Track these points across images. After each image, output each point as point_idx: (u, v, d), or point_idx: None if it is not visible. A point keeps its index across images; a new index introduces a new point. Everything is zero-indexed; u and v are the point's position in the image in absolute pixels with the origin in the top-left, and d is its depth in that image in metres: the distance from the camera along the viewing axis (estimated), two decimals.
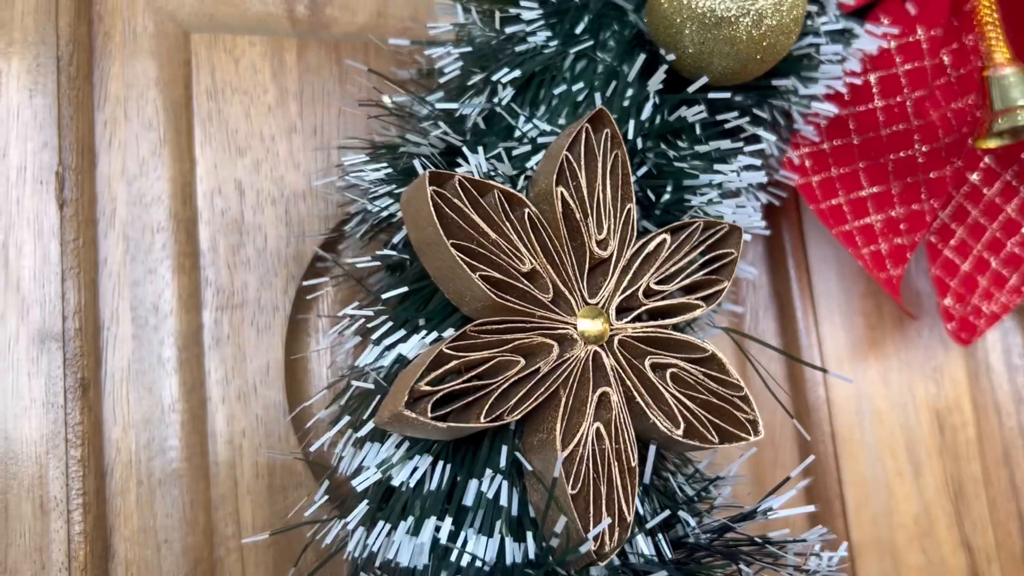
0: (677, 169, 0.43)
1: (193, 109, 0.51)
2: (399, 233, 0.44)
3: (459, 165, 0.43)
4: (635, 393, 0.37)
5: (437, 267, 0.38)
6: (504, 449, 0.37)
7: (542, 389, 0.36)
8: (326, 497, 0.42)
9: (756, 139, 0.48)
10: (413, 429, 0.35)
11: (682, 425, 0.38)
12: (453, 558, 0.36)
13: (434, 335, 0.39)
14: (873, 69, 0.53)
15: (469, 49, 0.47)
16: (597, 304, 0.39)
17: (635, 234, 0.40)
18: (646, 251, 0.40)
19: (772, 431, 0.62)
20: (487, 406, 0.35)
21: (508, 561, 0.36)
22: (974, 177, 0.62)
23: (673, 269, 0.40)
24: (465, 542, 0.36)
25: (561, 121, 0.43)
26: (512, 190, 0.38)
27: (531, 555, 0.36)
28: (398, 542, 0.37)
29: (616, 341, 0.39)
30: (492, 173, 0.42)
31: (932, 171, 0.55)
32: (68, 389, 0.46)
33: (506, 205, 0.38)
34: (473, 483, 0.37)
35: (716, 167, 0.44)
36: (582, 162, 0.39)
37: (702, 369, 0.40)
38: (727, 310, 0.57)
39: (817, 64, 0.49)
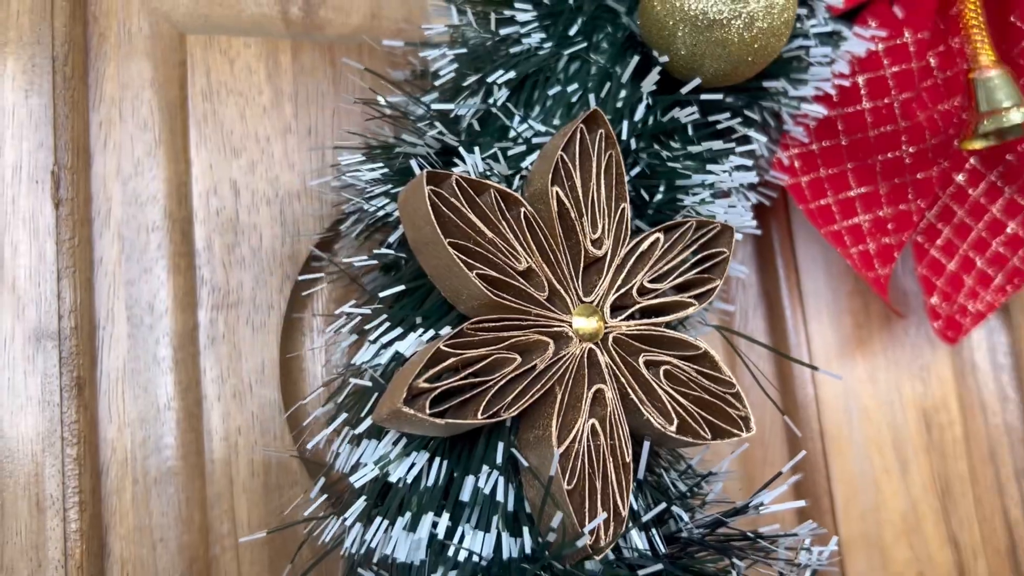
0: (670, 169, 0.44)
1: (188, 110, 0.51)
2: (395, 232, 0.45)
3: (455, 165, 0.44)
4: (629, 390, 0.38)
5: (434, 265, 0.38)
6: (500, 445, 0.38)
7: (538, 386, 0.37)
8: (324, 496, 0.42)
9: (747, 140, 0.49)
10: (411, 425, 0.35)
11: (675, 421, 0.38)
12: (450, 553, 0.36)
13: (431, 333, 0.40)
14: (861, 71, 0.54)
15: (464, 51, 0.47)
16: (592, 302, 0.39)
17: (629, 233, 0.41)
18: (640, 250, 0.41)
19: (761, 430, 0.63)
20: (484, 403, 0.35)
21: (505, 556, 0.36)
22: (960, 178, 0.63)
23: (666, 268, 0.41)
24: (462, 538, 0.36)
25: (555, 122, 0.44)
26: (508, 190, 0.38)
27: (527, 550, 0.36)
28: (395, 538, 0.37)
29: (610, 339, 0.39)
30: (488, 173, 0.43)
31: (919, 172, 0.56)
32: (64, 387, 0.46)
33: (502, 204, 0.38)
34: (470, 479, 0.37)
35: (708, 167, 0.44)
36: (577, 162, 0.39)
37: (695, 366, 0.40)
38: (718, 308, 0.58)
39: (807, 66, 0.50)
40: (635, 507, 0.39)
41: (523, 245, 0.38)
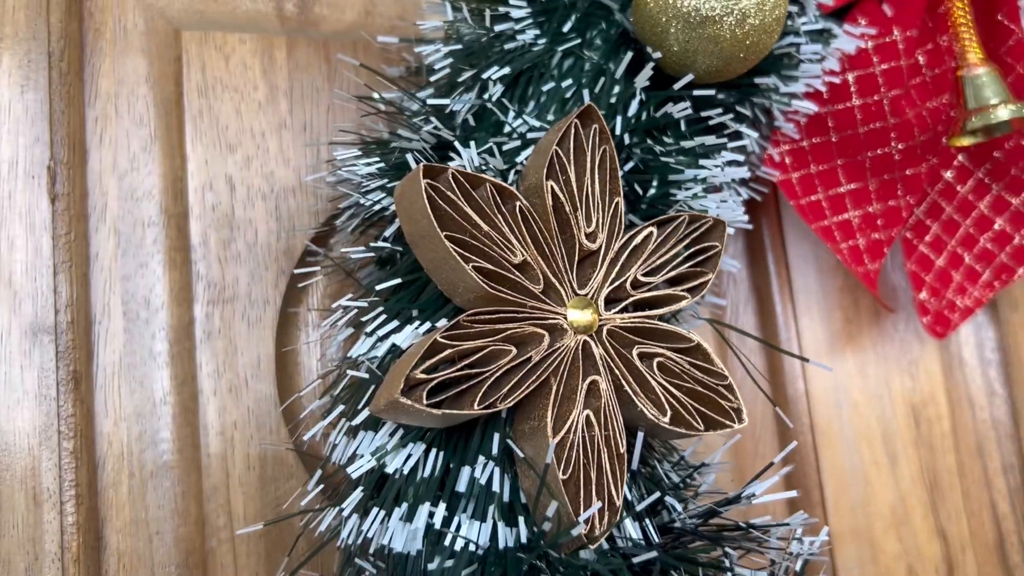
0: (663, 164, 0.44)
1: (184, 106, 0.52)
2: (390, 227, 0.45)
3: (450, 160, 0.44)
4: (623, 381, 0.38)
5: (430, 259, 0.39)
6: (496, 436, 0.38)
7: (534, 377, 0.37)
8: (320, 487, 0.43)
9: (739, 136, 0.49)
10: (408, 416, 0.36)
11: (669, 413, 0.39)
12: (447, 543, 0.36)
13: (427, 325, 0.40)
14: (851, 68, 0.55)
15: (459, 47, 0.47)
16: (586, 295, 0.40)
17: (623, 227, 0.41)
18: (633, 244, 0.41)
19: (753, 423, 0.63)
20: (480, 394, 0.36)
21: (501, 545, 0.36)
22: (948, 175, 0.63)
23: (659, 261, 0.42)
24: (458, 527, 0.37)
25: (550, 117, 0.44)
26: (504, 183, 0.39)
27: (523, 539, 0.37)
28: (392, 528, 0.38)
29: (605, 331, 0.40)
30: (483, 167, 0.43)
31: (908, 168, 0.57)
32: (60, 382, 0.46)
33: (498, 198, 0.39)
34: (466, 470, 0.38)
35: (700, 162, 0.45)
36: (571, 157, 0.40)
37: (688, 359, 0.41)
38: (710, 302, 0.58)
39: (797, 63, 0.51)
40: (629, 497, 0.40)
41: (518, 238, 0.39)
